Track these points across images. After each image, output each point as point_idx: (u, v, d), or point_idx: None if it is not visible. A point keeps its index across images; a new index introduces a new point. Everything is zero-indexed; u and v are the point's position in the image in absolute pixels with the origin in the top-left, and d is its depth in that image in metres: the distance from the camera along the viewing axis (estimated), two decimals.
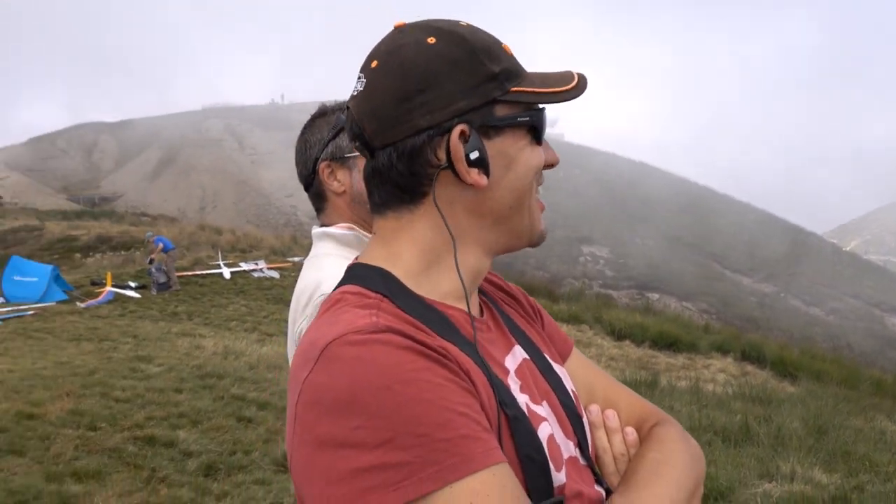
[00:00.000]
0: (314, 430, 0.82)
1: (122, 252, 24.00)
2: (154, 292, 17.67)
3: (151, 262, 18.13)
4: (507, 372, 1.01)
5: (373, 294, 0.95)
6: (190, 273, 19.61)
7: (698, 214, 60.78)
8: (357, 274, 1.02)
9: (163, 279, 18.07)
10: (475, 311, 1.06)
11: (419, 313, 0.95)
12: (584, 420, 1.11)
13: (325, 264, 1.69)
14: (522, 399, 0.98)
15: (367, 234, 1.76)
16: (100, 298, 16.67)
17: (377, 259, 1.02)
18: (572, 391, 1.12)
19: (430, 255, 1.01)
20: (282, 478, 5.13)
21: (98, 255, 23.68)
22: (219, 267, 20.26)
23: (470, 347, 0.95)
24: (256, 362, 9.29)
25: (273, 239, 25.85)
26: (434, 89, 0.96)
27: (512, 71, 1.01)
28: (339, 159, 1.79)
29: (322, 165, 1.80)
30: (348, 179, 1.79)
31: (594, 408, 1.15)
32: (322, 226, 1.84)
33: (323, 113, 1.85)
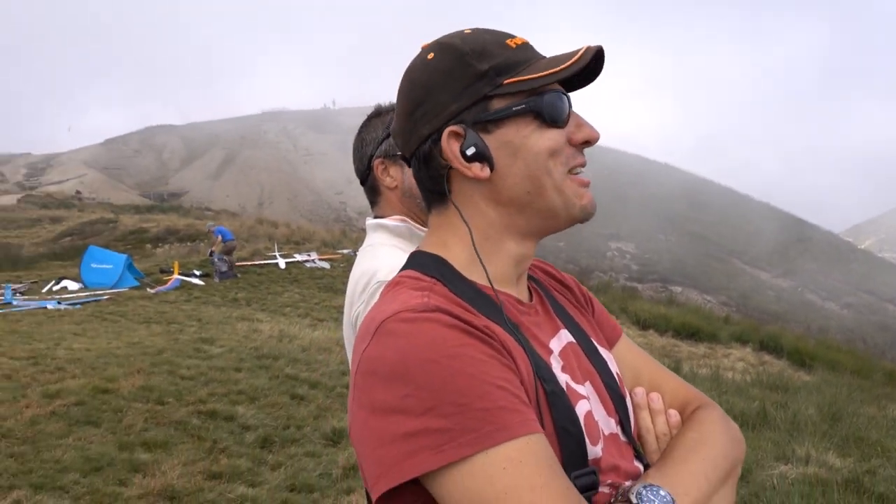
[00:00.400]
0: (369, 397, 0.85)
1: (188, 243, 24.31)
2: (217, 280, 17.88)
3: (212, 254, 18.36)
4: (550, 352, 1.01)
5: (427, 278, 0.98)
6: (249, 263, 19.81)
7: (720, 214, 59.94)
8: (417, 260, 1.04)
9: (224, 268, 18.28)
10: (523, 297, 1.06)
11: (469, 296, 0.96)
12: (628, 401, 1.10)
13: (381, 253, 1.70)
14: (563, 378, 0.98)
15: (418, 227, 1.77)
16: (168, 285, 16.92)
17: (434, 247, 1.05)
18: (617, 374, 1.11)
19: (477, 245, 1.01)
20: (331, 451, 5.15)
21: (166, 246, 24.01)
22: (275, 258, 20.41)
23: (514, 328, 0.95)
24: (308, 345, 9.35)
25: (324, 232, 26.01)
26: (430, 100, 1.00)
27: (505, 65, 0.99)
28: (392, 157, 1.79)
29: (377, 162, 1.80)
30: (400, 175, 1.79)
31: (639, 390, 1.15)
32: (376, 217, 1.84)
33: (378, 113, 1.86)
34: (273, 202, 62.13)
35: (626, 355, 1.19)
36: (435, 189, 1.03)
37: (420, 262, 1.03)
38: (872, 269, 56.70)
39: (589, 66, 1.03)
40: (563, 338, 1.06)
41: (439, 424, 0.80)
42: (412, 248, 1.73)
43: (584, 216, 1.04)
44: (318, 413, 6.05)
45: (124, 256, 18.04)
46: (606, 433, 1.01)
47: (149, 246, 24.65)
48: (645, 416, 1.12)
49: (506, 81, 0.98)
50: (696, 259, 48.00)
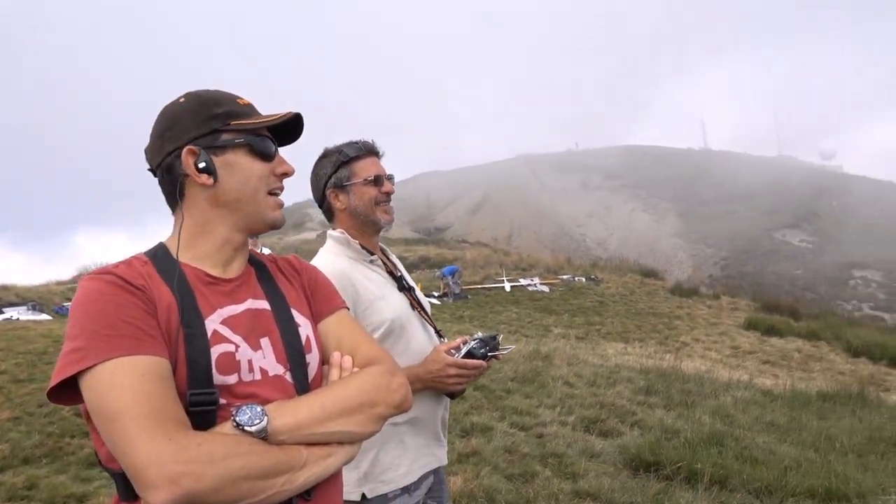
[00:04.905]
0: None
1: (437, 270, 25.75)
2: (451, 300, 18.89)
3: (445, 295, 19.44)
4: (214, 310, 1.25)
5: (142, 256, 1.29)
6: (480, 286, 20.64)
7: None
8: (153, 246, 1.35)
9: (457, 290, 19.33)
10: (228, 274, 1.33)
11: (163, 268, 1.26)
12: (308, 357, 1.33)
13: (319, 253, 2.15)
14: (214, 326, 1.23)
15: (353, 238, 2.14)
16: None
17: (169, 237, 1.36)
18: (307, 336, 1.35)
19: (191, 233, 1.32)
20: (460, 443, 5.40)
21: (418, 272, 25.74)
22: (502, 282, 21.09)
23: (181, 290, 1.22)
24: (511, 354, 9.56)
25: (549, 259, 26.23)
26: (176, 127, 1.31)
27: (234, 112, 1.33)
28: (340, 187, 2.17)
29: (329, 192, 2.20)
30: (347, 200, 2.16)
31: (336, 353, 1.36)
32: (332, 230, 2.23)
33: (326, 154, 2.24)
34: (521, 234, 63.52)
35: (333, 327, 1.41)
36: (172, 192, 1.33)
37: (150, 247, 1.34)
38: None
39: (292, 125, 1.38)
40: (251, 304, 1.31)
41: (80, 344, 1.11)
42: (349, 252, 2.12)
43: (275, 224, 1.37)
44: (469, 410, 6.30)
45: None
46: (271, 374, 1.25)
47: None
48: (334, 372, 1.33)
49: (232, 122, 1.32)
50: None
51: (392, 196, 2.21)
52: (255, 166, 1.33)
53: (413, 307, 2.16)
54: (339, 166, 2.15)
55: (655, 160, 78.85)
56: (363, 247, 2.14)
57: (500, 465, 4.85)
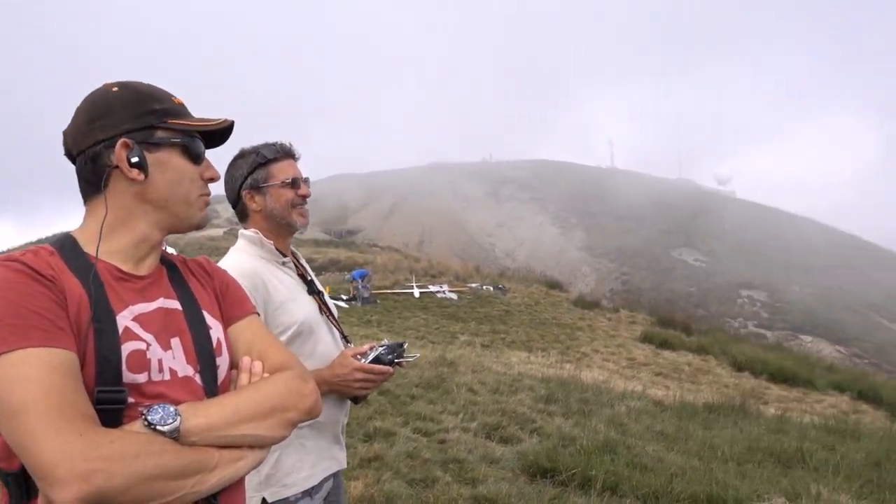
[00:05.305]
0: None
1: (346, 273, 25.52)
2: (359, 304, 18.75)
3: (353, 298, 19.30)
4: (126, 306, 1.21)
5: (48, 247, 1.22)
6: (389, 291, 20.60)
7: (860, 269, 54.68)
8: (58, 236, 1.29)
9: (366, 294, 19.22)
10: (140, 271, 1.29)
11: (70, 259, 1.20)
12: (219, 360, 1.30)
13: (231, 252, 2.12)
14: (126, 323, 1.19)
15: (266, 238, 2.11)
16: None
17: (77, 228, 1.30)
18: (218, 339, 1.32)
19: (109, 227, 1.26)
20: (363, 448, 5.38)
21: (326, 274, 25.43)
22: (412, 288, 21.13)
23: (93, 284, 1.18)
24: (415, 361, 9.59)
25: (458, 267, 26.50)
26: (110, 116, 1.25)
27: (171, 111, 1.29)
28: (256, 188, 2.13)
29: (245, 193, 2.15)
30: (263, 202, 2.13)
31: (245, 358, 1.34)
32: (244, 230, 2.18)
33: (242, 155, 2.19)
34: (433, 241, 63.83)
35: (244, 331, 1.39)
36: (94, 181, 1.27)
37: (57, 237, 1.28)
38: None
39: (224, 131, 1.36)
40: (163, 303, 1.28)
41: None
42: (262, 253, 2.08)
43: (200, 225, 1.36)
44: (372, 415, 6.28)
45: None
46: (180, 375, 1.23)
47: None
48: (243, 377, 1.31)
49: (170, 121, 1.28)
50: (830, 310, 44.05)
51: (311, 197, 2.21)
52: (187, 168, 1.31)
53: (322, 311, 2.16)
54: (255, 167, 2.13)
55: (565, 175, 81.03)
56: (276, 249, 2.12)
57: (401, 470, 4.87)
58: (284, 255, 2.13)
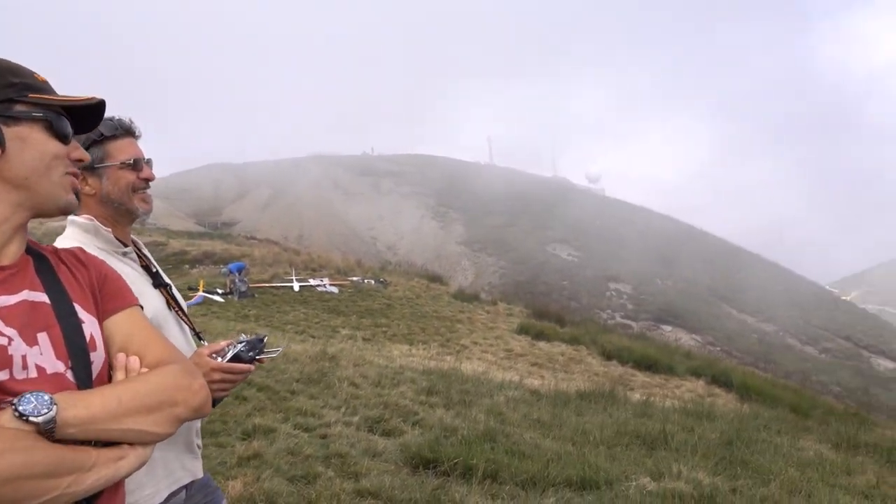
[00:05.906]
0: None
1: (222, 266, 24.61)
2: (236, 298, 18.15)
3: (230, 292, 18.71)
4: None
5: None
6: (267, 285, 20.06)
7: (712, 262, 59.17)
8: None
9: (244, 288, 18.62)
10: (8, 261, 1.18)
11: None
12: (92, 356, 1.20)
13: (57, 241, 1.81)
14: None
15: (104, 226, 1.88)
16: (192, 301, 17.15)
17: None
18: (91, 333, 1.21)
19: None
20: (241, 443, 5.21)
21: (201, 267, 24.43)
22: (291, 281, 20.68)
23: None
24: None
25: (339, 260, 26.22)
26: None
27: (33, 86, 1.18)
28: (91, 169, 1.88)
29: None
30: (98, 185, 1.90)
31: (120, 355, 1.24)
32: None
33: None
34: (313, 234, 62.72)
35: (123, 324, 1.29)
36: None
37: None
38: (854, 318, 55.34)
39: (91, 111, 1.27)
40: (28, 296, 1.17)
41: None
42: (98, 242, 1.87)
43: (68, 210, 1.25)
44: (251, 412, 6.11)
45: None
46: (49, 372, 1.12)
47: (187, 266, 25.04)
48: (119, 375, 1.21)
49: (31, 95, 1.17)
50: (687, 302, 47.38)
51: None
52: (50, 144, 1.19)
53: (170, 306, 1.96)
54: (90, 145, 1.85)
55: (445, 170, 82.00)
56: (116, 237, 1.89)
57: (282, 467, 4.74)
58: (125, 245, 1.91)
